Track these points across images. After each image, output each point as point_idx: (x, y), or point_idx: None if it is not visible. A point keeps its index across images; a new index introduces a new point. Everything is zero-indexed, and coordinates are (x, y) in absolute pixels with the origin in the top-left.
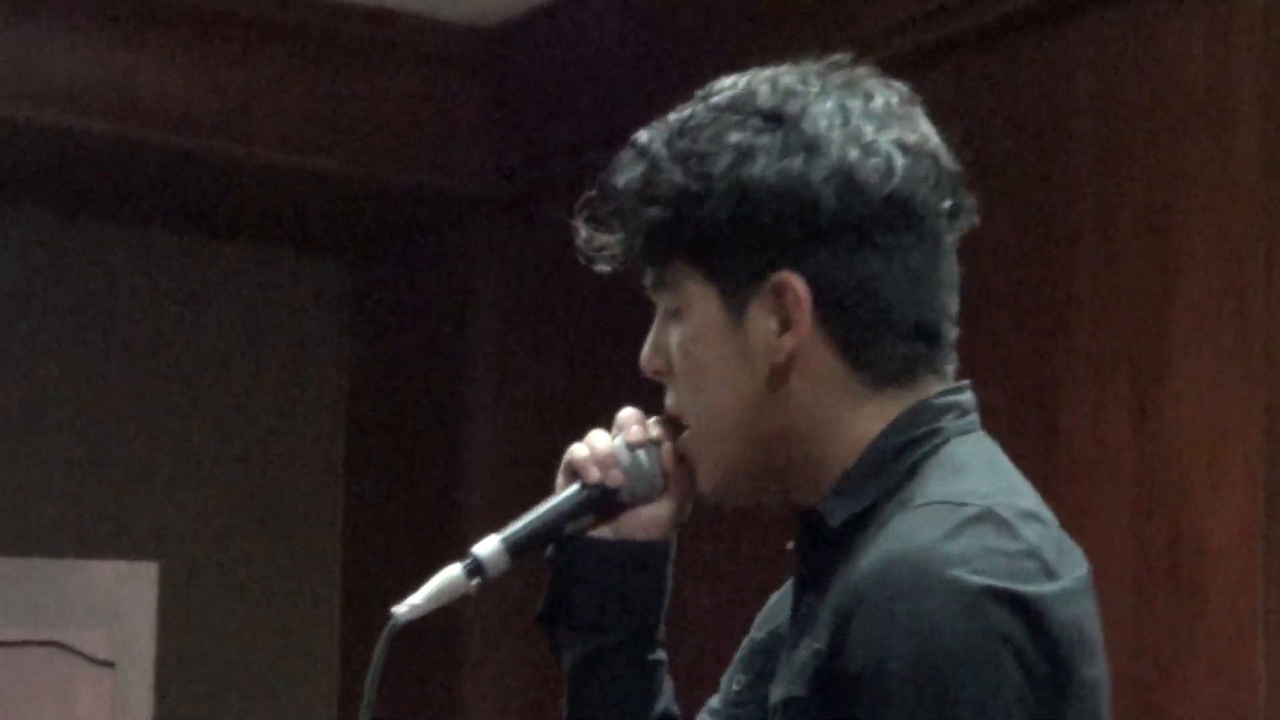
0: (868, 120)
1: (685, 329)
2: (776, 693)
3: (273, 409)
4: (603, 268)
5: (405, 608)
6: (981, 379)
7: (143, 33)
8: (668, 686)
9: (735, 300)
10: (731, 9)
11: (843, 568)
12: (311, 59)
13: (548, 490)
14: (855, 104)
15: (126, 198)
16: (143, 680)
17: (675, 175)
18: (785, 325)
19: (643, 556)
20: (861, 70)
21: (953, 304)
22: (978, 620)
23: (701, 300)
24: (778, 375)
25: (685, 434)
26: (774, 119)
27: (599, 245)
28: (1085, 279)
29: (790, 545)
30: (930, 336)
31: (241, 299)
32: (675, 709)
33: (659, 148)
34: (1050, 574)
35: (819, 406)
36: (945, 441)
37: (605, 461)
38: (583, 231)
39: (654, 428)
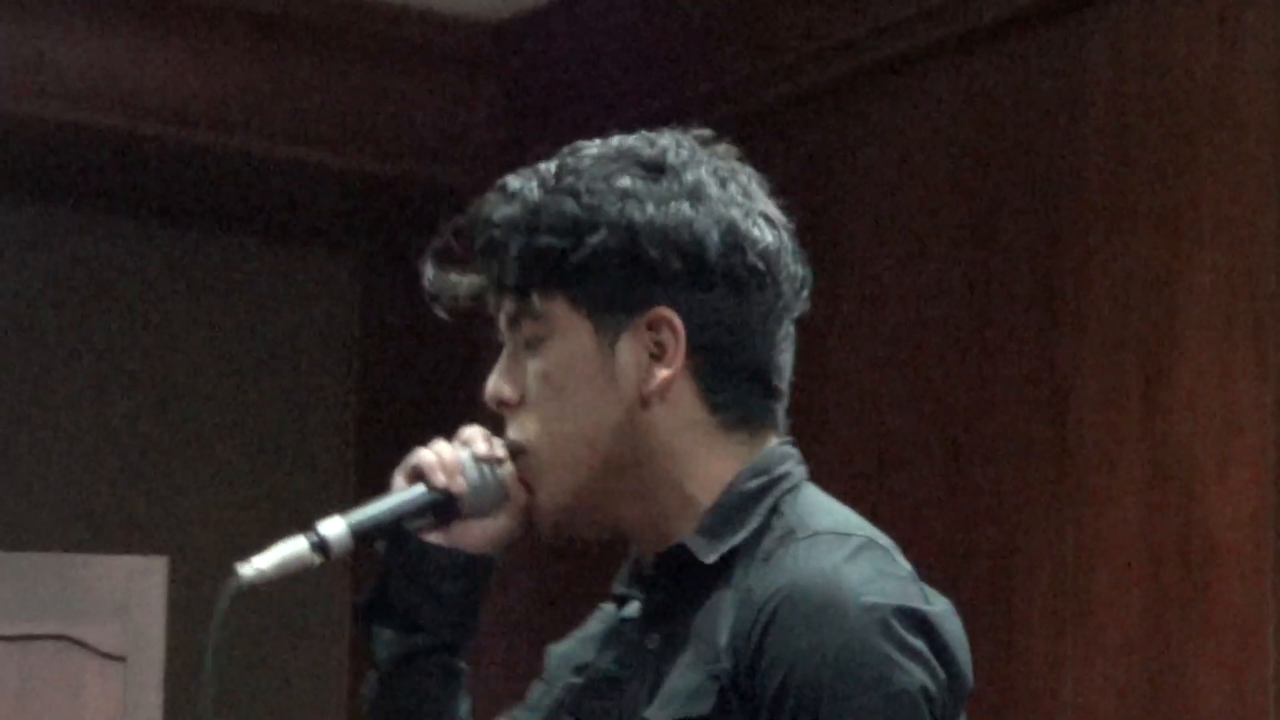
0: (739, 188)
1: (549, 356)
2: (660, 715)
3: (283, 403)
4: (440, 312)
5: (251, 569)
6: (993, 372)
7: (151, 28)
8: (467, 698)
9: (608, 330)
10: (739, 4)
11: (720, 599)
12: (321, 54)
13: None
14: (725, 172)
15: (136, 193)
16: (153, 674)
17: (566, 206)
18: (656, 358)
19: (470, 567)
20: (723, 147)
21: (788, 372)
22: (890, 634)
23: (571, 329)
24: (644, 403)
25: (524, 461)
26: (657, 169)
27: (445, 285)
28: (1096, 271)
29: (619, 588)
30: (773, 393)
31: (252, 294)
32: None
33: (535, 189)
34: (928, 598)
35: (676, 440)
36: (797, 485)
37: (452, 469)
38: (430, 273)
39: (499, 446)
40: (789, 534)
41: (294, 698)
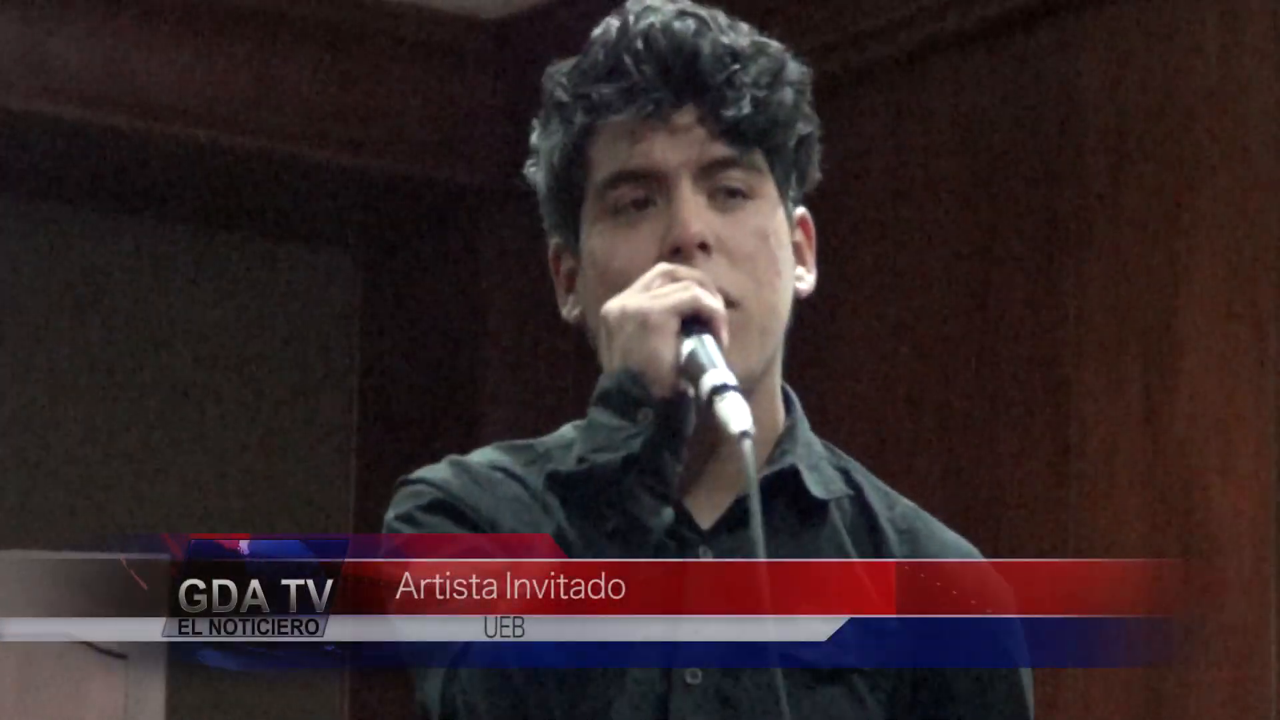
0: None
1: (765, 218)
2: (811, 655)
3: (286, 401)
4: (565, 139)
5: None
6: (994, 371)
7: (154, 26)
8: None
9: (788, 215)
10: (740, 1)
11: (823, 539)
12: (323, 52)
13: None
14: None
15: (139, 190)
16: (155, 671)
17: (801, 73)
18: (799, 259)
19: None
20: None
21: None
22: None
23: (773, 197)
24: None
25: (733, 313)
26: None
27: (610, 102)
28: (1096, 270)
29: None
30: None
31: (254, 291)
32: None
33: (744, 35)
34: None
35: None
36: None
37: (724, 319)
38: (584, 87)
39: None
40: (887, 494)
41: (293, 692)
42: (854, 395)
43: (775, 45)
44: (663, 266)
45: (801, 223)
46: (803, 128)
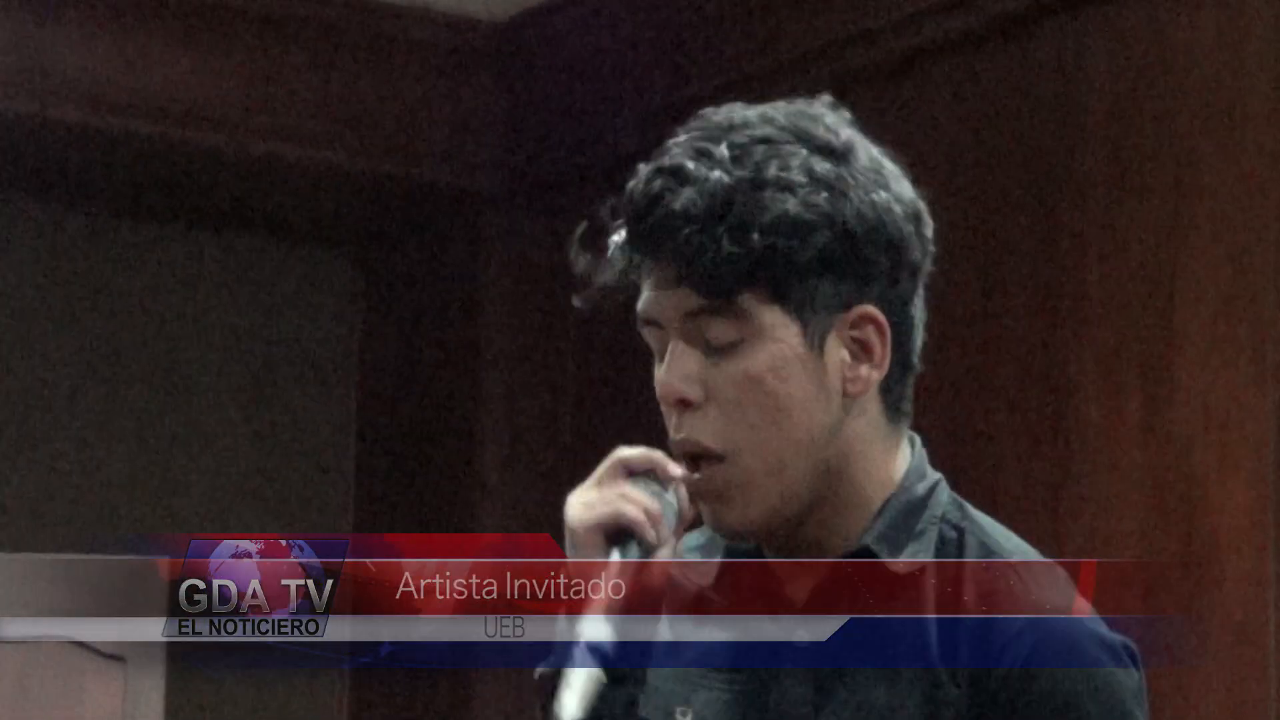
0: (892, 164)
1: (756, 359)
2: None
3: (285, 402)
4: (582, 302)
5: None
6: (993, 375)
7: (154, 28)
8: None
9: (817, 331)
10: (742, 2)
11: (917, 612)
12: (324, 53)
13: (557, 481)
14: (874, 148)
15: (140, 192)
16: (153, 675)
17: (774, 202)
18: (856, 356)
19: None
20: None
21: None
22: (1130, 670)
23: (779, 329)
24: (846, 406)
25: (718, 469)
26: (842, 155)
27: (608, 278)
28: (1096, 273)
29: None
30: (914, 371)
31: (254, 293)
32: None
33: (724, 176)
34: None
35: (862, 440)
36: (947, 488)
37: (658, 518)
38: (583, 263)
39: (672, 467)
40: (990, 556)
41: (292, 694)
42: None
43: (750, 173)
44: (615, 457)
45: (861, 320)
46: (820, 240)
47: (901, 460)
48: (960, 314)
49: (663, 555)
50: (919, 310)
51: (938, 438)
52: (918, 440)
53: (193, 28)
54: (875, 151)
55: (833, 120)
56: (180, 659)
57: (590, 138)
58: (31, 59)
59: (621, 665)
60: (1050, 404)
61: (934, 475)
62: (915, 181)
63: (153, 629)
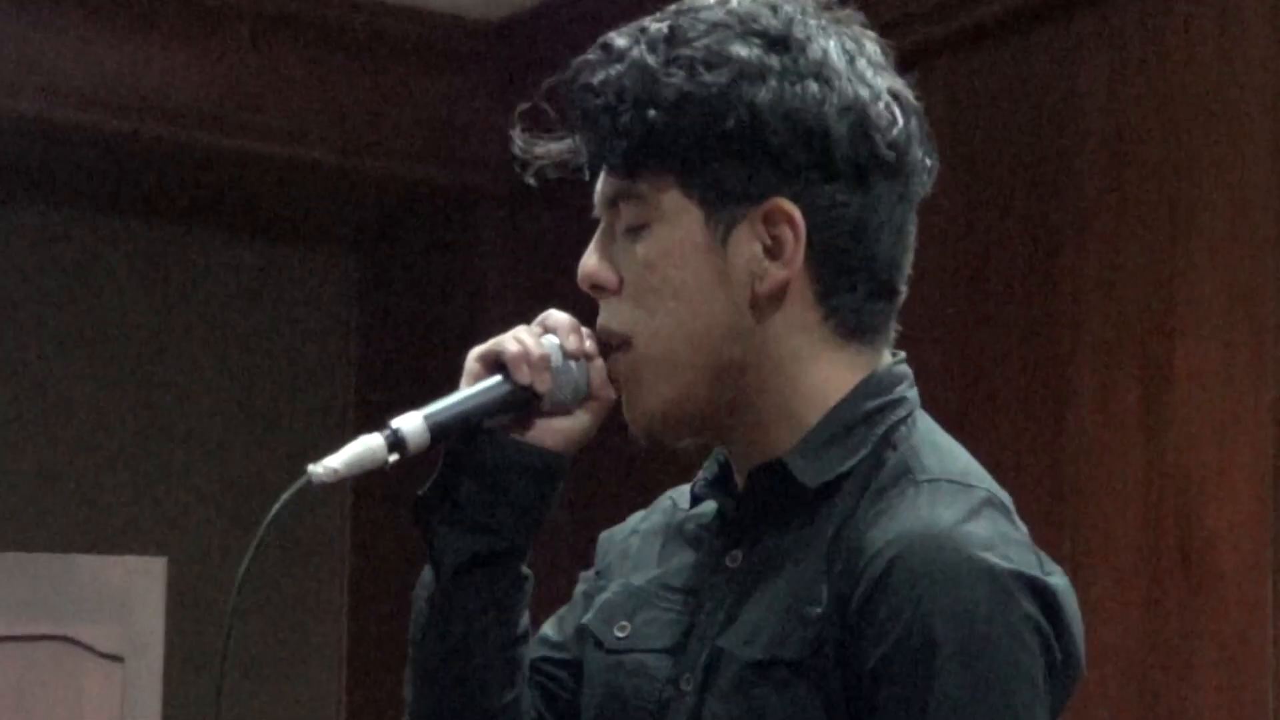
0: (867, 64)
1: (655, 244)
2: (746, 651)
3: (282, 402)
4: (530, 180)
5: (321, 469)
6: (991, 371)
7: (150, 27)
8: (528, 607)
9: (721, 221)
10: None
11: (821, 530)
12: (320, 52)
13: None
14: (851, 45)
15: (135, 192)
16: (152, 674)
17: (678, 79)
18: (772, 254)
19: (547, 466)
20: (847, 12)
21: (908, 270)
22: (1012, 604)
23: (681, 215)
24: (755, 305)
25: (623, 354)
26: (779, 42)
27: (544, 152)
28: (1094, 271)
29: (701, 488)
30: (891, 297)
31: (250, 293)
32: (530, 630)
33: (644, 53)
34: (1044, 567)
35: (785, 346)
36: (911, 413)
37: (538, 364)
38: (520, 139)
39: (588, 339)
40: (905, 474)
41: (290, 693)
42: None
43: (669, 53)
44: (541, 316)
45: (773, 214)
46: (722, 123)
47: (852, 377)
48: (957, 312)
49: (548, 407)
50: (878, 222)
51: None
52: (896, 360)
53: (189, 27)
54: (841, 49)
55: (790, 11)
56: (178, 658)
57: None
58: (29, 59)
59: (404, 454)
60: (1048, 403)
61: (896, 396)
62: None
63: (152, 629)
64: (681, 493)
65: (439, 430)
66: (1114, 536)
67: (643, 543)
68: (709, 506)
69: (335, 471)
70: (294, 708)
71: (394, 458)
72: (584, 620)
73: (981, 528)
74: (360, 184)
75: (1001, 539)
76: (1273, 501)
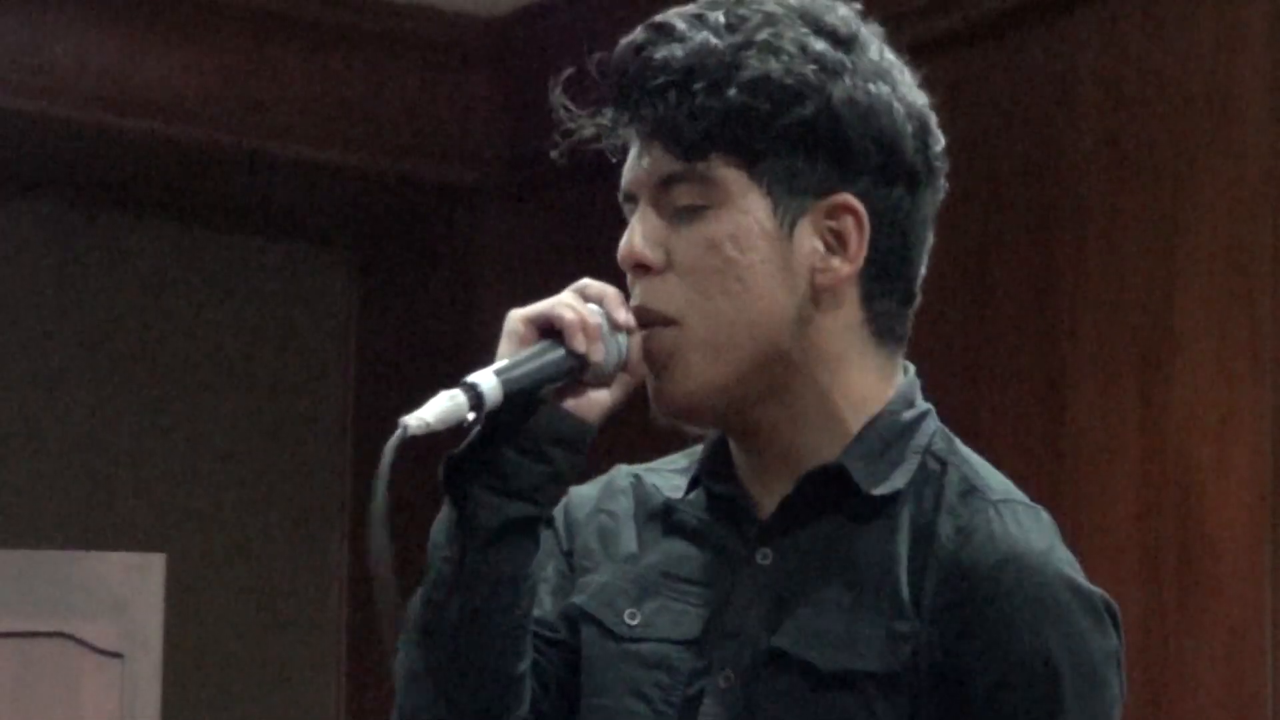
0: (910, 74)
1: (720, 226)
2: (815, 657)
3: (281, 399)
4: (558, 156)
5: (416, 421)
6: (989, 371)
7: (148, 25)
8: None
9: (789, 209)
10: None
11: (884, 539)
12: (321, 50)
13: None
14: (892, 53)
15: (135, 190)
16: (151, 671)
17: (760, 64)
18: (831, 250)
19: (583, 436)
20: (874, 24)
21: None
22: (1108, 632)
23: (747, 199)
24: (815, 298)
25: (675, 333)
26: (847, 41)
27: (590, 127)
28: (1092, 270)
29: (716, 483)
30: (913, 303)
31: (249, 290)
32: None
33: (710, 37)
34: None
35: (833, 344)
36: (938, 425)
37: (594, 333)
38: (565, 112)
39: (629, 313)
40: (971, 491)
41: (288, 690)
42: None
43: (740, 38)
44: (578, 284)
45: (838, 209)
46: (801, 111)
47: (888, 385)
48: (955, 310)
49: (590, 378)
50: (919, 230)
51: None
52: (911, 369)
53: (188, 24)
54: (891, 55)
55: (846, 13)
56: (177, 655)
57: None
58: (26, 56)
59: (493, 415)
60: (1046, 400)
61: (923, 405)
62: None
63: (151, 626)
64: (648, 474)
65: (512, 391)
66: (1112, 533)
67: (619, 526)
68: (696, 494)
69: (427, 424)
70: (293, 711)
71: (472, 415)
72: (576, 601)
73: (1065, 554)
74: (361, 180)
75: (1075, 563)
76: (1271, 499)
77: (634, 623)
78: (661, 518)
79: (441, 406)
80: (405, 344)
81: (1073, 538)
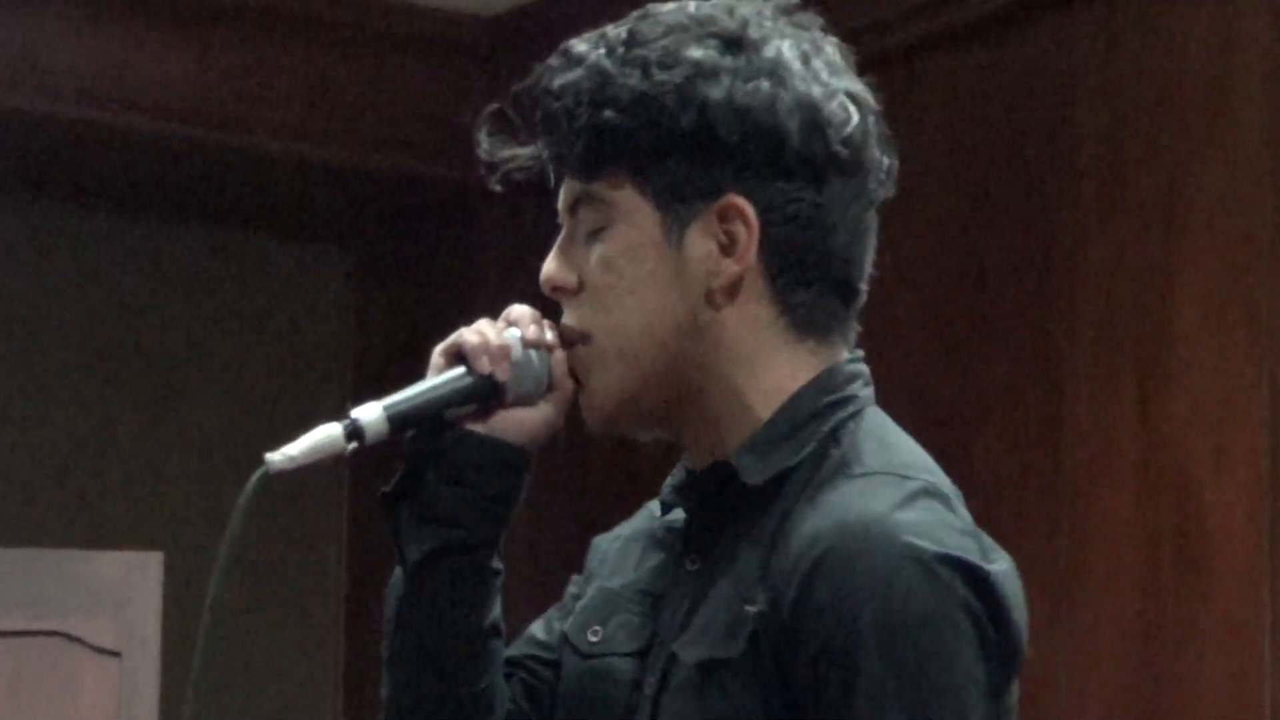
0: (823, 65)
1: (613, 244)
2: (691, 652)
3: (278, 398)
4: (495, 186)
5: (280, 456)
6: (987, 365)
7: (145, 22)
8: (498, 599)
9: (677, 218)
10: None
11: (765, 527)
12: (316, 48)
13: (551, 476)
14: (808, 46)
15: (130, 188)
16: (148, 669)
17: (633, 80)
18: (726, 251)
19: (511, 459)
20: (808, 15)
21: (868, 268)
22: (938, 585)
23: (637, 214)
24: (710, 301)
25: (583, 349)
26: (734, 43)
27: (507, 157)
28: (1090, 264)
29: (667, 495)
30: (849, 295)
31: (245, 289)
32: (502, 622)
33: (602, 57)
34: (987, 555)
35: (740, 344)
36: (860, 410)
37: (498, 354)
38: (485, 143)
39: (549, 331)
40: (843, 468)
41: (288, 687)
42: None
43: (624, 54)
44: (506, 310)
45: (728, 211)
46: (675, 121)
47: (807, 375)
48: (953, 307)
49: (511, 399)
50: (837, 219)
51: (929, 430)
52: (852, 358)
53: (184, 22)
54: (799, 48)
55: (746, 14)
56: (175, 654)
57: None
58: (23, 54)
59: (415, 443)
60: (1044, 397)
61: (847, 393)
62: (907, 178)
63: (149, 624)
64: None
65: (398, 420)
66: (1111, 525)
67: (624, 547)
68: (679, 512)
69: (293, 459)
70: (291, 706)
71: (352, 446)
72: (559, 625)
73: (913, 514)
74: (358, 179)
75: (936, 524)
76: (1269, 489)
77: (595, 640)
78: (651, 537)
79: (312, 441)
80: (404, 343)
81: (1070, 532)
